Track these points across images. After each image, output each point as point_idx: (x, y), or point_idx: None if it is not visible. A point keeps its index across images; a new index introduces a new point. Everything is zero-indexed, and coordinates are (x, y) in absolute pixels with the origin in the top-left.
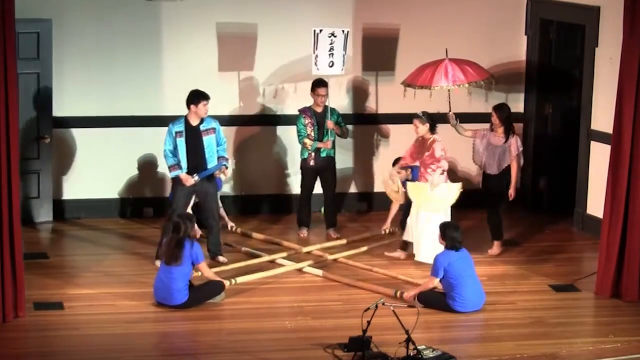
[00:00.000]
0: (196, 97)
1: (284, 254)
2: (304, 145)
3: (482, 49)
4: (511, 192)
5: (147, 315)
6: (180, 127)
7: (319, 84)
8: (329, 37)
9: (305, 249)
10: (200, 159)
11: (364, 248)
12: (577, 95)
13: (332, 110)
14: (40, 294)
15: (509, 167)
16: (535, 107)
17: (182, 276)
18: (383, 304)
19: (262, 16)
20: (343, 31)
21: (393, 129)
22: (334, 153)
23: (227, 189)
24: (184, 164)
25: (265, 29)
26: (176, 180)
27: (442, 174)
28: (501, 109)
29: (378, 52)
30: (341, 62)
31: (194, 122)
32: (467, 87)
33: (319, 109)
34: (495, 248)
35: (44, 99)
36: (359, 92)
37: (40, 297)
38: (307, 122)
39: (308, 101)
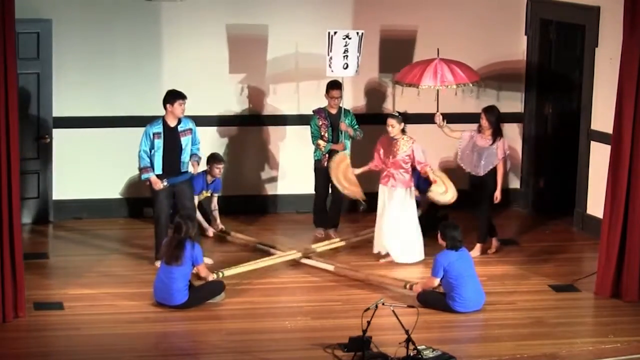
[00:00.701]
0: (172, 96)
1: (293, 256)
2: (317, 146)
3: (481, 48)
4: (497, 194)
5: (147, 315)
6: (158, 128)
7: (332, 86)
8: (344, 39)
9: (291, 256)
10: (176, 160)
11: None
12: (577, 96)
13: (347, 112)
14: (40, 294)
15: (495, 169)
16: (535, 107)
17: (183, 276)
18: (383, 304)
19: (272, 17)
20: (357, 33)
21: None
22: (348, 154)
23: (228, 190)
24: (158, 165)
25: (274, 30)
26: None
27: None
28: (491, 111)
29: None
30: (355, 64)
31: (172, 122)
32: (454, 88)
33: (333, 111)
34: (477, 250)
35: (44, 99)
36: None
37: (40, 297)
38: (321, 123)
39: (317, 102)
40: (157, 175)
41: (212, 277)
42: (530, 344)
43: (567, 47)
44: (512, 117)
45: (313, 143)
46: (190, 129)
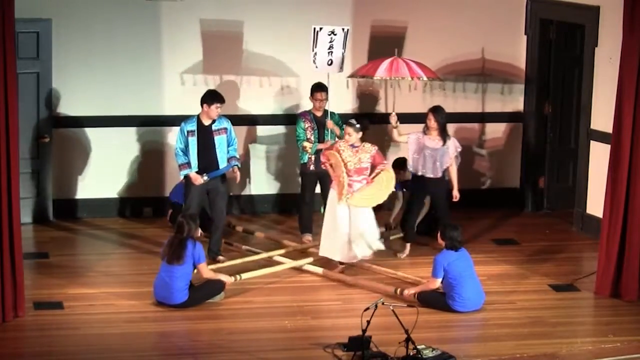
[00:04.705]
0: (210, 98)
1: (282, 251)
2: (303, 148)
3: (481, 48)
4: (455, 193)
5: (146, 315)
6: (192, 126)
7: (317, 88)
8: (329, 35)
9: (304, 246)
10: (211, 158)
11: None
12: (576, 95)
13: (332, 113)
14: (40, 294)
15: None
16: (535, 106)
17: (183, 275)
18: (383, 303)
19: (265, 14)
20: (343, 29)
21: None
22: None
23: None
24: (194, 163)
25: (268, 27)
26: (188, 179)
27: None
28: (439, 111)
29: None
30: (340, 61)
31: (206, 121)
32: (425, 81)
33: (319, 113)
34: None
35: (43, 98)
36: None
37: (40, 297)
38: (306, 126)
39: (299, 99)
40: (196, 172)
41: (212, 276)
42: (530, 343)
43: (567, 46)
44: (512, 117)
45: (298, 147)
46: (225, 128)
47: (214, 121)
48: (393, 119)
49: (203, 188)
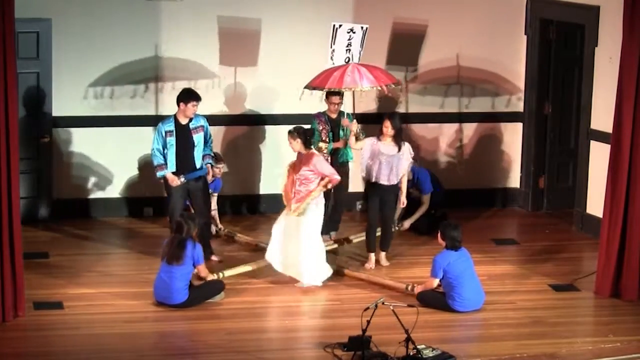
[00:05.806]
0: (186, 96)
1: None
2: (318, 149)
3: (481, 48)
4: (403, 199)
5: (146, 315)
6: (170, 126)
7: (333, 92)
8: (348, 32)
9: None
10: (189, 157)
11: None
12: (576, 95)
13: (348, 115)
14: (40, 294)
15: None
16: (535, 106)
17: (183, 276)
18: (383, 303)
19: (268, 11)
20: (362, 27)
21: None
22: (351, 157)
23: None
24: (172, 162)
25: (271, 24)
26: (165, 181)
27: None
28: (395, 117)
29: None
30: (357, 59)
31: (183, 120)
32: (392, 88)
33: (334, 115)
34: (371, 261)
35: (43, 98)
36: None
37: (40, 297)
38: (321, 128)
39: (308, 100)
40: (173, 173)
41: (211, 277)
42: (530, 343)
43: (567, 46)
44: (512, 117)
45: (314, 147)
46: (202, 126)
47: (190, 120)
48: (355, 126)
49: (184, 188)
